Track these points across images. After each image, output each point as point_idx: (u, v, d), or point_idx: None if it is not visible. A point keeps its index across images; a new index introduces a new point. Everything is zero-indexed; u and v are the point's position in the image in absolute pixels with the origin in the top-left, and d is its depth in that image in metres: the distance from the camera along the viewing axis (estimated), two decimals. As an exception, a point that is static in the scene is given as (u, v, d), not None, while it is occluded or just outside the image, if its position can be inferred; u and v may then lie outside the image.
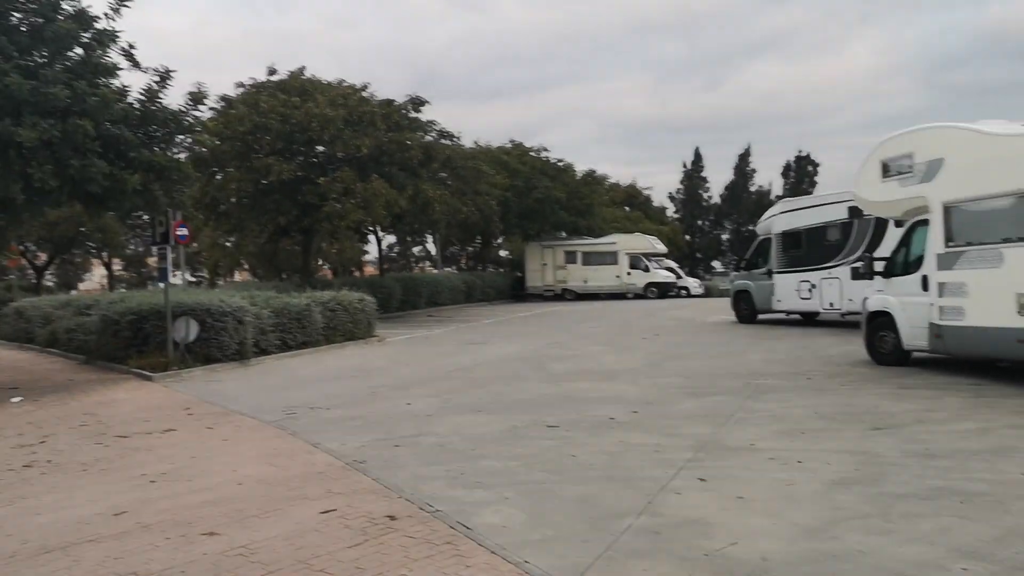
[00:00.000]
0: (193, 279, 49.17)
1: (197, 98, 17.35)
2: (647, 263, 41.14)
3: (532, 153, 43.88)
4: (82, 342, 19.00)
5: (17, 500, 7.21)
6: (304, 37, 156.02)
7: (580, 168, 46.38)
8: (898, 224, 14.12)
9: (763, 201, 64.80)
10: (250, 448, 8.83)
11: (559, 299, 41.13)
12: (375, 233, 38.54)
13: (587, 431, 8.78)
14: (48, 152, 12.84)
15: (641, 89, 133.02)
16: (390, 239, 49.17)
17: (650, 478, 6.73)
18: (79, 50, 14.02)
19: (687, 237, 65.41)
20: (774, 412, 9.35)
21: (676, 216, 68.29)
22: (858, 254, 17.37)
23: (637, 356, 15.68)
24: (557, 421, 9.37)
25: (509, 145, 44.14)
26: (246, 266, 54.02)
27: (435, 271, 49.84)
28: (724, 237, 69.09)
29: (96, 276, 62.26)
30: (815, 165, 65.39)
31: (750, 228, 65.82)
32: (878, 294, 13.31)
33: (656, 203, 66.42)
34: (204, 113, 19.60)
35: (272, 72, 28.78)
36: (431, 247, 57.30)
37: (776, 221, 21.34)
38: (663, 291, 40.55)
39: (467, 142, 35.94)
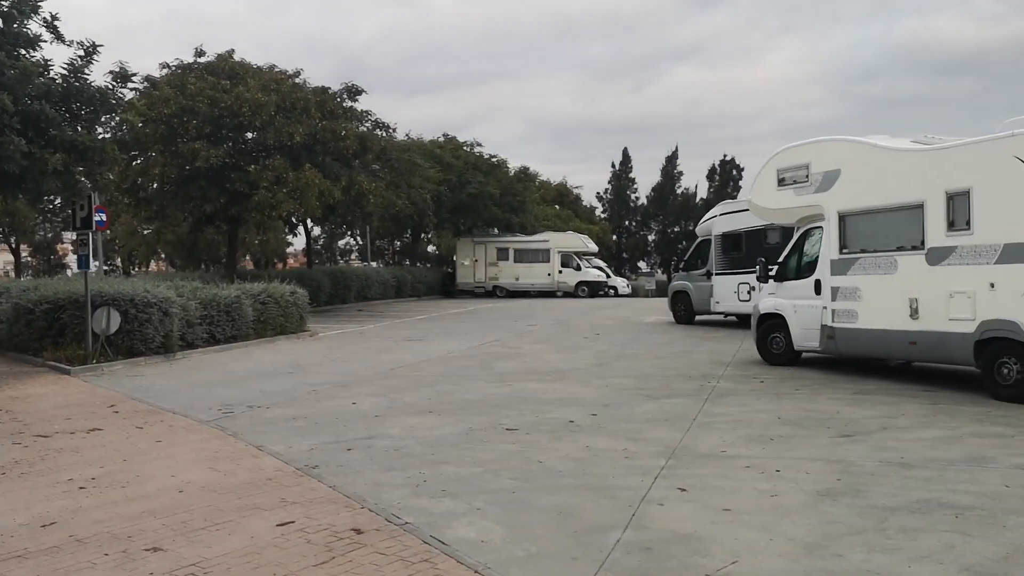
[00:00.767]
0: (107, 268, 46.88)
1: (123, 76, 16.34)
2: (579, 262, 41.09)
3: (466, 148, 43.38)
4: (-10, 332, 17.68)
5: (-76, 510, 6.40)
6: (229, 23, 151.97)
7: (512, 165, 46.18)
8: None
9: (689, 203, 65.87)
10: (187, 451, 8.17)
11: (490, 296, 40.70)
12: (305, 225, 37.39)
13: (548, 435, 8.43)
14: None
15: (569, 89, 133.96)
16: (316, 231, 47.86)
17: (626, 487, 6.42)
18: (-3, 19, 13.02)
19: (614, 237, 65.74)
20: (737, 417, 9.16)
21: (604, 216, 68.62)
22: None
23: (583, 355, 15.42)
24: (515, 424, 9.00)
25: (442, 139, 43.55)
26: (163, 256, 51.94)
27: (363, 265, 48.82)
28: (650, 238, 69.81)
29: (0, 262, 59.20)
30: (740, 169, 66.62)
31: (676, 229, 67.05)
32: (769, 297, 13.62)
33: (585, 203, 66.65)
34: (128, 94, 18.52)
35: (200, 54, 27.33)
36: (358, 240, 56.22)
37: (716, 223, 21.35)
38: (594, 290, 40.58)
39: (399, 135, 35.16)
